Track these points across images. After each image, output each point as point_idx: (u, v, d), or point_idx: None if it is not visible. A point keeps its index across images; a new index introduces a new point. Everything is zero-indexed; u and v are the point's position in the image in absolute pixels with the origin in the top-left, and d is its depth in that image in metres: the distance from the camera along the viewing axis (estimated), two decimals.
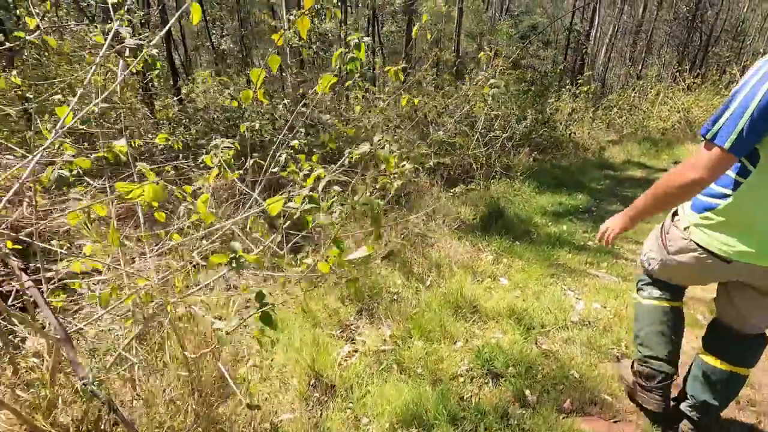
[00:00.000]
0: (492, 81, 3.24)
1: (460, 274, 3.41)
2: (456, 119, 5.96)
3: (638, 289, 1.87)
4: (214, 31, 14.11)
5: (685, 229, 1.46)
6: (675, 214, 1.57)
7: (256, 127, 4.58)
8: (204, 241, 1.85)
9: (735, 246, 1.32)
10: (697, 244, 1.42)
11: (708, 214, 1.36)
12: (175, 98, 6.84)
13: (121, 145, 1.46)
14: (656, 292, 1.76)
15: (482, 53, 3.58)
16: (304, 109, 4.66)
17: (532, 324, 2.74)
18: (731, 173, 1.29)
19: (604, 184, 6.65)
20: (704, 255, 1.41)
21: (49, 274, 1.94)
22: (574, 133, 8.65)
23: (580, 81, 10.27)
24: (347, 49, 1.55)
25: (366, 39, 1.56)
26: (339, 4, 9.52)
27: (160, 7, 7.15)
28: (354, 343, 2.62)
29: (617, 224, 1.61)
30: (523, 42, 15.84)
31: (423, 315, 2.75)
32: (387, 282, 3.22)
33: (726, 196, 1.31)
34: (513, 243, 4.11)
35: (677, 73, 12.52)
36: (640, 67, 17.31)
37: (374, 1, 10.97)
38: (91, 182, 2.15)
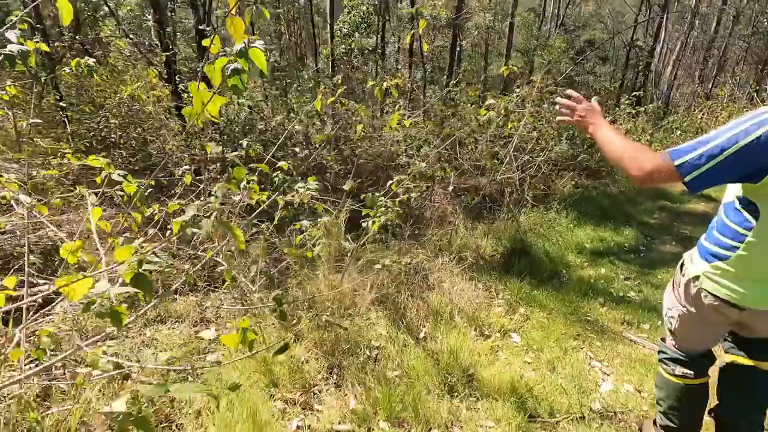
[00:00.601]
0: (490, 103, 2.66)
1: (463, 327, 2.83)
2: (487, 139, 5.35)
3: (660, 361, 1.74)
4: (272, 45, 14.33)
5: (695, 278, 1.46)
6: (683, 265, 1.57)
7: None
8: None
9: (746, 292, 1.33)
10: (709, 293, 1.41)
11: (718, 263, 1.37)
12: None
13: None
14: (681, 370, 1.64)
15: (504, 68, 3.02)
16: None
17: (537, 410, 2.11)
18: (738, 227, 1.32)
19: (659, 218, 5.74)
20: (717, 303, 1.40)
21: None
22: None
23: (637, 99, 9.26)
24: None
25: None
26: (379, 18, 9.19)
27: (196, 18, 7.14)
28: (309, 415, 2.11)
29: (591, 121, 1.56)
30: (578, 58, 14.83)
31: (397, 386, 2.20)
32: (370, 332, 2.70)
33: (734, 248, 1.33)
34: (535, 288, 3.45)
35: (755, 93, 11.07)
36: (710, 86, 15.67)
37: (417, 15, 10.56)
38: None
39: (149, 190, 2.38)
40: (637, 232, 5.07)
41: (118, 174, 1.49)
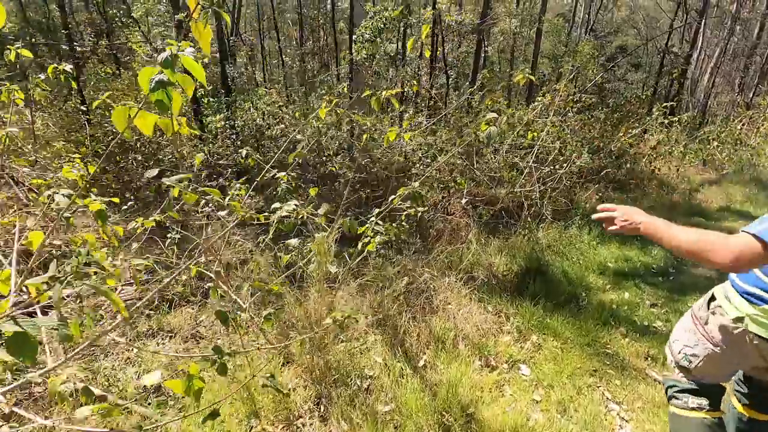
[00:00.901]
0: (491, 117, 2.41)
1: (466, 356, 2.59)
2: (506, 149, 5.08)
3: (671, 398, 1.66)
4: (289, 49, 14.40)
5: (737, 320, 1.41)
6: (711, 300, 1.52)
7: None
8: None
9: None
10: (757, 335, 1.37)
11: (766, 307, 1.34)
12: (226, 115, 6.71)
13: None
14: (694, 401, 1.57)
15: (520, 74, 2.78)
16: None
17: None
18: None
19: None
20: (764, 345, 1.37)
21: None
22: (659, 169, 7.23)
23: (671, 107, 8.74)
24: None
25: None
26: (399, 23, 9.02)
27: (218, 23, 7.14)
28: None
29: (638, 221, 1.35)
30: (609, 64, 14.26)
31: (387, 424, 1.99)
32: (364, 359, 2.49)
33: None
34: (550, 313, 3.16)
35: None
36: (751, 95, 14.80)
37: (441, 21, 10.33)
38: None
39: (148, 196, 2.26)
40: (666, 252, 4.68)
41: (62, 195, 1.34)
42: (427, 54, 2.17)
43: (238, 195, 2.17)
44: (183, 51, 0.84)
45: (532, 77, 2.83)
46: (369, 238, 2.47)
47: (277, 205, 1.82)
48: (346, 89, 3.22)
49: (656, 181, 7.14)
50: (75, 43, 6.10)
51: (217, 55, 7.16)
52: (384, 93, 2.19)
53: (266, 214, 1.92)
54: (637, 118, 8.24)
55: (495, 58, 15.90)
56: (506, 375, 2.51)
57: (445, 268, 3.48)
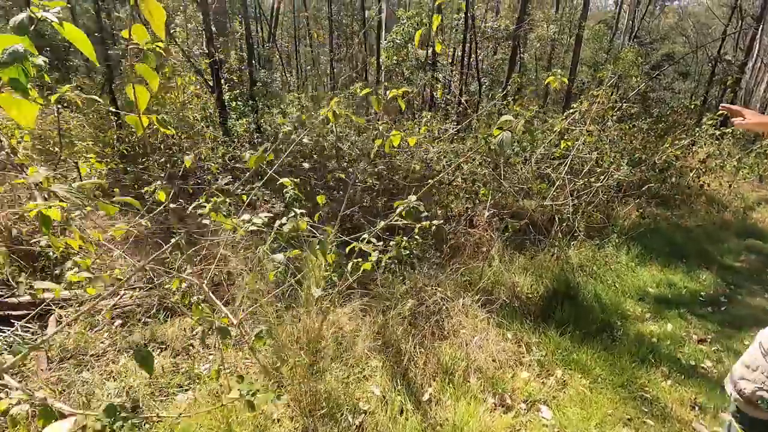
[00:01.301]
0: (506, 120, 2.09)
1: (478, 391, 2.26)
2: (536, 159, 4.70)
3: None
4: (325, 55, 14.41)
5: None
6: None
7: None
8: None
9: None
10: None
11: None
12: (253, 118, 6.65)
13: None
14: None
15: (551, 76, 2.45)
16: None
17: None
18: None
19: (746, 262, 4.72)
20: None
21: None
22: (708, 185, 6.58)
23: (723, 118, 8.01)
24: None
25: None
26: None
27: (245, 26, 7.12)
28: None
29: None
30: (654, 72, 13.44)
31: None
32: (361, 389, 2.21)
33: None
34: (579, 344, 2.78)
35: None
36: None
37: (473, 25, 10.00)
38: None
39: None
40: (716, 277, 4.15)
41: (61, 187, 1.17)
42: (438, 48, 1.93)
43: (224, 206, 1.96)
44: (47, 11, 0.60)
45: (564, 79, 2.50)
46: (370, 254, 2.20)
47: (246, 217, 1.58)
48: (359, 91, 2.96)
49: (705, 198, 6.50)
50: (107, 47, 6.19)
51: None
52: (390, 93, 1.92)
53: (242, 225, 1.69)
54: (684, 129, 7.59)
55: (531, 66, 15.37)
56: (523, 418, 2.16)
57: (462, 287, 3.15)
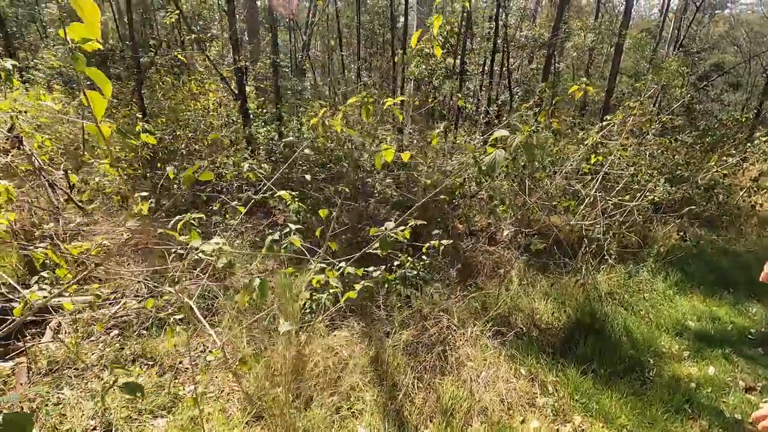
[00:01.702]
0: (501, 135, 1.83)
1: None
2: (565, 174, 4.35)
3: None
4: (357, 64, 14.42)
5: None
6: None
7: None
8: None
9: None
10: None
11: None
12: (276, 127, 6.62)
13: None
14: None
15: (574, 86, 2.18)
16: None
17: None
18: None
19: None
20: None
21: None
22: (760, 205, 5.97)
23: None
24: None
25: None
26: (460, 35, 8.52)
27: (272, 35, 7.13)
28: None
29: None
30: (701, 83, 12.63)
31: None
32: (346, 429, 1.99)
33: None
34: (603, 386, 2.45)
35: None
36: None
37: (506, 34, 9.68)
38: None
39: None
40: None
41: None
42: (438, 53, 1.76)
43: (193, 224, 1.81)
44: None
45: (590, 88, 2.22)
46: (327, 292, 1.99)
47: (195, 243, 1.40)
48: (366, 95, 2.78)
49: (757, 220, 5.90)
50: (139, 55, 6.30)
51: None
52: (387, 102, 1.72)
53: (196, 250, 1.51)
54: (734, 144, 6.97)
55: (568, 76, 14.81)
56: None
57: (474, 314, 2.87)
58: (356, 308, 2.64)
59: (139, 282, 3.09)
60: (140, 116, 5.93)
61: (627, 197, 4.28)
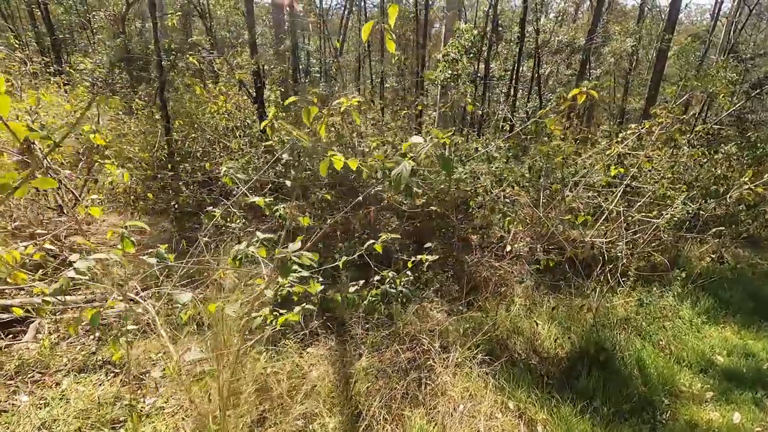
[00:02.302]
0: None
1: None
2: (582, 186, 4.00)
3: None
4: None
5: None
6: None
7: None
8: None
9: None
10: None
11: None
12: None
13: None
14: None
15: (576, 90, 1.92)
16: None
17: None
18: None
19: None
20: None
21: None
22: None
23: None
24: None
25: None
26: (485, 41, 8.22)
27: (291, 40, 7.11)
28: None
29: None
30: (753, 91, 11.65)
31: None
32: None
33: None
34: (603, 429, 2.14)
35: None
36: None
37: (537, 39, 9.28)
38: None
39: None
40: None
41: None
42: (391, 48, 1.54)
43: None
44: None
45: (594, 93, 1.94)
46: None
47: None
48: (366, 96, 2.60)
49: None
50: (161, 59, 6.43)
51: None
52: (344, 102, 1.53)
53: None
54: None
55: (607, 84, 14.11)
56: None
57: (463, 335, 2.62)
58: (332, 325, 2.45)
59: (125, 285, 3.04)
60: (159, 117, 6.02)
61: (653, 213, 3.88)
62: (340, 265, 1.83)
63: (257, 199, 2.08)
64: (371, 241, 1.88)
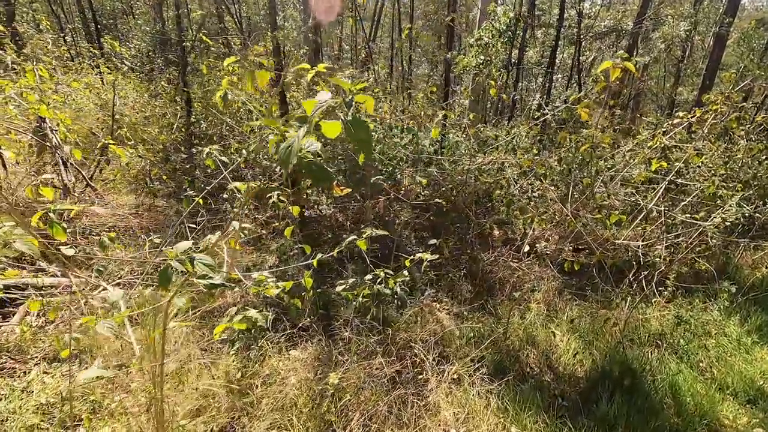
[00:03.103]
0: None
1: None
2: (619, 182, 3.57)
3: None
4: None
5: None
6: None
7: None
8: None
9: None
10: None
11: None
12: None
13: None
14: None
15: (607, 62, 1.55)
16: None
17: None
18: None
19: None
20: None
21: None
22: None
23: None
24: None
25: None
26: (521, 25, 7.67)
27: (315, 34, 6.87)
28: None
29: None
30: None
31: None
32: None
33: None
34: None
35: None
36: None
37: (579, 22, 8.60)
38: None
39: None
40: None
41: None
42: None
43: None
44: None
45: (630, 65, 1.57)
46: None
47: None
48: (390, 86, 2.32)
49: None
50: (183, 39, 6.36)
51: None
52: (307, 70, 1.27)
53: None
54: None
55: (657, 72, 13.10)
56: None
57: (467, 344, 2.33)
58: (323, 325, 2.22)
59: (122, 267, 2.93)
60: (178, 100, 5.96)
61: (700, 214, 3.40)
62: (314, 264, 1.58)
63: (238, 184, 1.88)
64: (353, 237, 1.62)
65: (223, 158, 2.13)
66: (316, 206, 4.71)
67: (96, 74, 6.82)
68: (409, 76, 10.52)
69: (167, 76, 7.38)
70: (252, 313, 1.49)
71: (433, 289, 3.10)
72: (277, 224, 4.11)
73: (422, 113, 6.23)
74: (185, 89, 6.19)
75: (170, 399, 1.87)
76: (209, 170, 4.88)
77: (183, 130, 5.50)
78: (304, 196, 4.23)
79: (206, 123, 5.65)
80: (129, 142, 4.53)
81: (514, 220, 4.16)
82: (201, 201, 2.00)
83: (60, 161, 3.73)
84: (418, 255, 2.07)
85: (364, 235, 1.64)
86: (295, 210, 2.16)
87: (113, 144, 3.90)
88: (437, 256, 2.06)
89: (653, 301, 3.01)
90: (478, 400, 1.97)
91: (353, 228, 3.78)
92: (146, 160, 4.59)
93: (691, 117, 3.27)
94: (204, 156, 2.14)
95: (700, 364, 2.58)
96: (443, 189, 4.30)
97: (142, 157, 4.48)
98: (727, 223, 2.86)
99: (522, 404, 2.04)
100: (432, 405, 1.88)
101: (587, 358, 2.42)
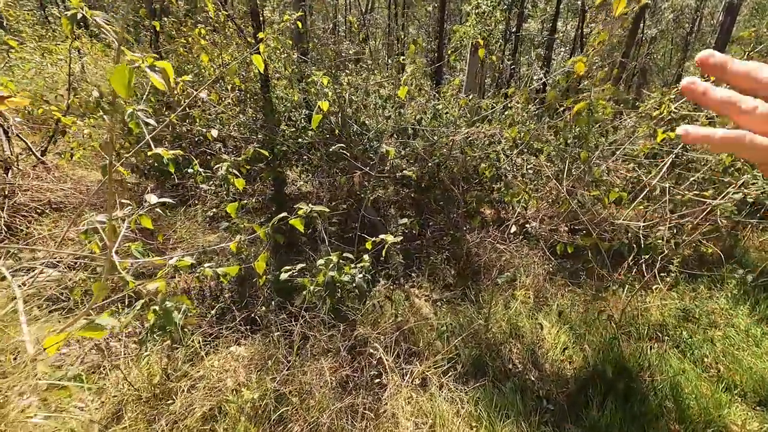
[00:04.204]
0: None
1: None
2: (616, 157, 3.21)
3: None
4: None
5: None
6: None
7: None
8: None
9: None
10: None
11: None
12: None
13: None
14: None
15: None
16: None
17: None
18: None
19: None
20: None
21: None
22: None
23: None
24: None
25: None
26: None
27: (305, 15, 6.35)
28: None
29: None
30: None
31: None
32: None
33: None
34: None
35: None
36: None
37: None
38: None
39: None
40: None
41: None
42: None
43: None
44: None
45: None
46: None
47: None
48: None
49: None
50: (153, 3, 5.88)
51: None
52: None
53: None
54: None
55: (662, 47, 12.49)
56: None
57: (438, 338, 2.02)
58: (260, 320, 1.91)
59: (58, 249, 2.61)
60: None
61: (709, 192, 3.05)
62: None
63: (160, 150, 1.57)
64: (284, 214, 1.29)
65: (151, 120, 1.77)
66: (292, 183, 4.37)
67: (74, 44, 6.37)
68: (404, 48, 9.98)
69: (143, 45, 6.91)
70: (169, 305, 1.19)
71: (414, 274, 2.80)
72: (246, 202, 3.79)
73: (413, 84, 5.81)
74: (159, 57, 5.73)
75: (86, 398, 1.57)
76: (192, 139, 4.51)
77: (152, 100, 5.11)
78: (279, 173, 3.90)
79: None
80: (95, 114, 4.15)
81: (507, 199, 3.83)
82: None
83: (0, 131, 3.36)
84: (381, 236, 1.75)
85: (299, 212, 1.31)
86: (239, 183, 1.86)
87: (57, 111, 3.52)
88: (416, 237, 1.72)
89: (654, 288, 2.69)
90: (446, 407, 1.67)
91: (329, 205, 3.45)
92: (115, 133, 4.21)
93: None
94: (126, 117, 1.78)
95: (705, 360, 2.28)
96: (430, 164, 3.94)
97: (97, 127, 4.10)
98: (750, 200, 2.51)
99: (500, 410, 1.74)
100: (389, 415, 1.58)
101: (578, 354, 2.12)
